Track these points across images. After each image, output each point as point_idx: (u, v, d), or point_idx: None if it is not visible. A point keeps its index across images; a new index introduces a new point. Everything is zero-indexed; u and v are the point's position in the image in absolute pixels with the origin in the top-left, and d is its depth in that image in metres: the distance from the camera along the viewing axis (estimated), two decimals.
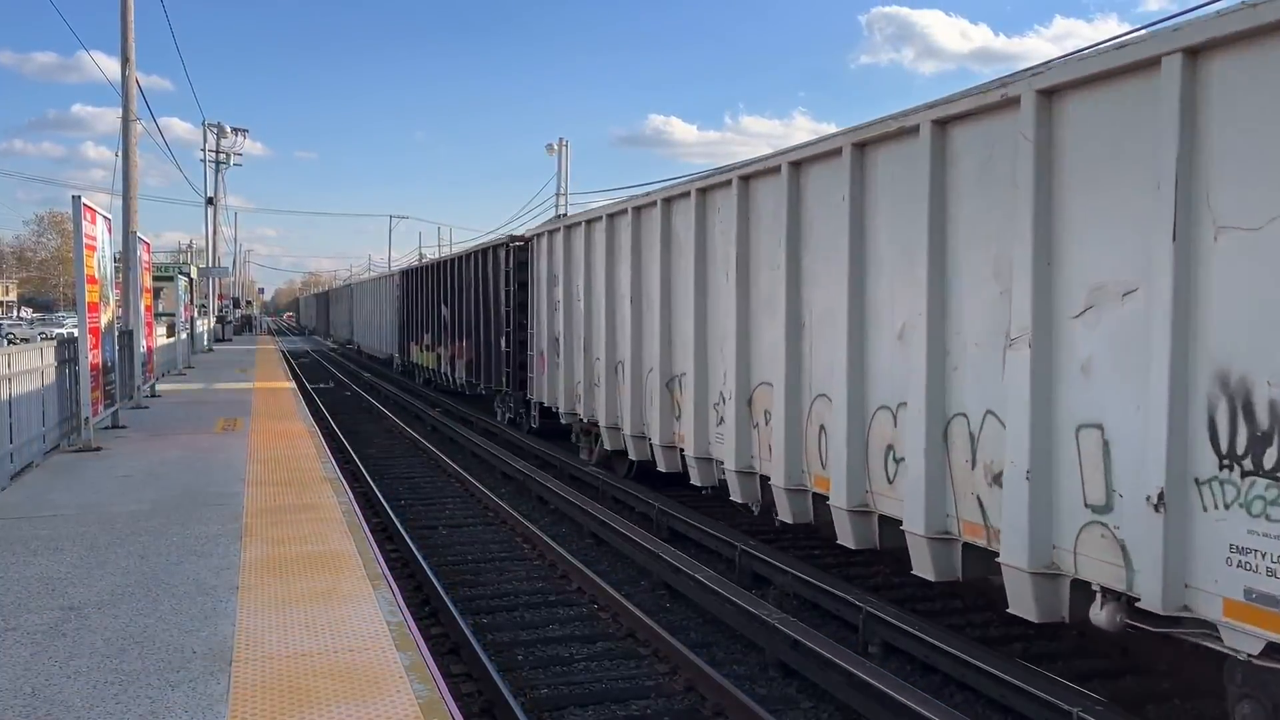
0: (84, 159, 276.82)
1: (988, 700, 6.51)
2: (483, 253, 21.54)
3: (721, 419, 10.34)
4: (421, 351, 29.63)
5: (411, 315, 31.57)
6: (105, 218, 14.87)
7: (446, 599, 8.51)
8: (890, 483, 7.76)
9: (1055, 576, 6.21)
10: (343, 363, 45.40)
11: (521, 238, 18.96)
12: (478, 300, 21.70)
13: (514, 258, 18.81)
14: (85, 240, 12.78)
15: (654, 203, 11.90)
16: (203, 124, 52.26)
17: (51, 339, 18.18)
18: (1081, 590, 6.07)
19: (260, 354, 38.41)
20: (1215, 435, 5.20)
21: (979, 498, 6.82)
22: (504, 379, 19.53)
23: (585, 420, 14.67)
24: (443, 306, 25.84)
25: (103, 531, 8.17)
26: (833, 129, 10.35)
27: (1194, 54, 5.30)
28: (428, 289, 28.35)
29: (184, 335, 32.20)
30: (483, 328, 21.23)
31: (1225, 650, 5.23)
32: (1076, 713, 5.73)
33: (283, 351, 42.99)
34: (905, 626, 7.28)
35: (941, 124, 7.11)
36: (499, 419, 20.55)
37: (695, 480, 10.90)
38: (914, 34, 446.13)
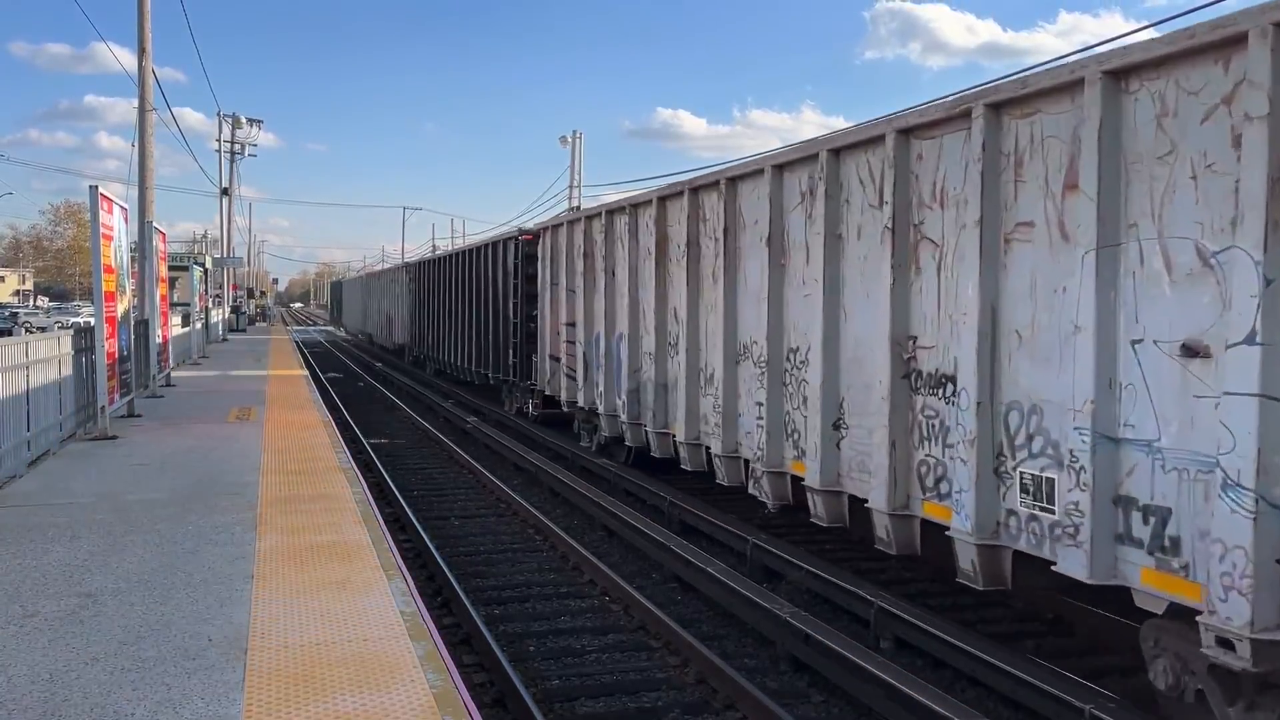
0: (98, 149, 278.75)
1: (1000, 697, 6.51)
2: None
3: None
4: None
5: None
6: (122, 207, 14.96)
7: (459, 589, 8.55)
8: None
9: None
10: (356, 353, 45.53)
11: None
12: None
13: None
14: (102, 230, 12.85)
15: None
16: (217, 114, 52.30)
17: (68, 328, 18.29)
18: None
19: (274, 344, 38.57)
20: None
21: None
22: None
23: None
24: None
25: (119, 520, 8.23)
26: (842, 123, 10.31)
27: None
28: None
29: (199, 325, 32.37)
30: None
31: None
32: (1089, 710, 5.72)
33: (296, 342, 43.14)
34: (917, 622, 7.28)
35: None
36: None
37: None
38: (919, 28, 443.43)
